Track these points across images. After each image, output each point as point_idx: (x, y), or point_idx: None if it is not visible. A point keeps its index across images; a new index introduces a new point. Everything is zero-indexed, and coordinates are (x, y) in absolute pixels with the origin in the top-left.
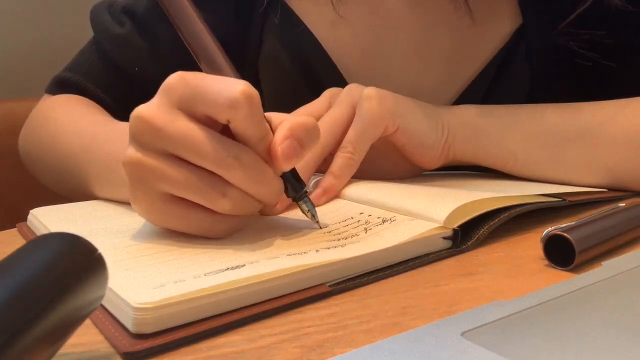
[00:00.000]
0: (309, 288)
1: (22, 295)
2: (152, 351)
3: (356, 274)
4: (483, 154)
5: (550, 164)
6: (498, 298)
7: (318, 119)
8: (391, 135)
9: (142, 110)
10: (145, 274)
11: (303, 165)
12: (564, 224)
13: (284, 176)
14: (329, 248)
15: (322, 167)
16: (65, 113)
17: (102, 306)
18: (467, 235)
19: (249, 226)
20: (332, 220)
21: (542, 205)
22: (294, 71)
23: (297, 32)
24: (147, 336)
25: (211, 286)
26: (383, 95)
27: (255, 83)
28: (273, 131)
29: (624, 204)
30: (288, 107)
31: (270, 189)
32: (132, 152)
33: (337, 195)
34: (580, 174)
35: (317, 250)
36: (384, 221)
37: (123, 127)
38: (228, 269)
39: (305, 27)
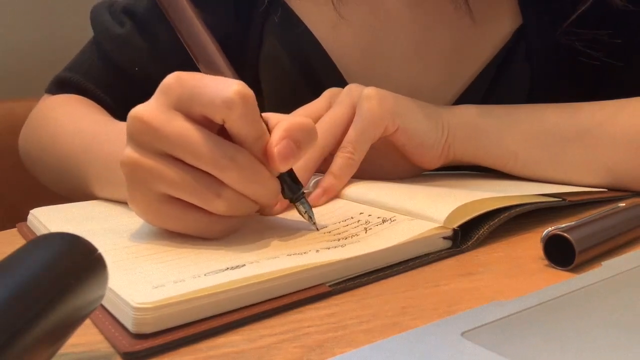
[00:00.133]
0: (309, 288)
1: (22, 295)
2: (152, 351)
3: (356, 274)
4: (483, 154)
5: (550, 164)
6: (498, 298)
7: (318, 119)
8: (391, 135)
9: (139, 110)
10: (145, 274)
11: (303, 165)
12: (564, 224)
13: (281, 177)
14: (328, 248)
15: (322, 167)
16: (65, 113)
17: (102, 306)
18: (467, 235)
19: (249, 226)
20: (332, 220)
21: (542, 205)
22: (294, 71)
23: (297, 32)
24: (147, 336)
25: (211, 286)
26: (383, 95)
27: (256, 83)
28: (271, 132)
29: (624, 204)
30: (288, 107)
31: (266, 189)
32: (130, 152)
33: (337, 195)
34: (580, 174)
35: (317, 250)
36: (384, 221)
37: (123, 127)
38: (228, 269)
39: (306, 27)
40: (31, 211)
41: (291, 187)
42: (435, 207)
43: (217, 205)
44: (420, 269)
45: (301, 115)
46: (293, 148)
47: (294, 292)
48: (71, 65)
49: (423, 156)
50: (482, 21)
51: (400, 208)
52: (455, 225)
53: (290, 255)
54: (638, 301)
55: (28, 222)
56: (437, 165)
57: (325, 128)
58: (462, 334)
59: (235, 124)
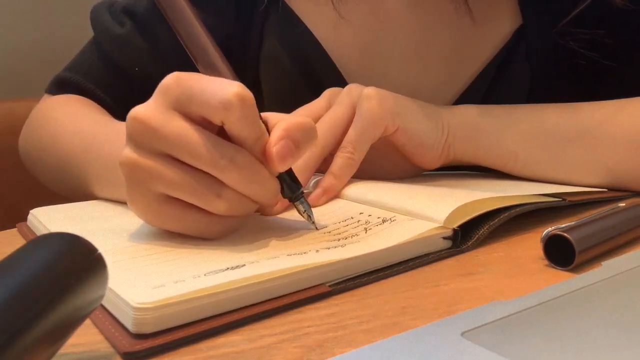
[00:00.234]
0: (309, 288)
1: (22, 295)
2: (152, 351)
3: (356, 274)
4: (483, 153)
5: (550, 164)
6: (498, 298)
7: (318, 119)
8: (391, 135)
9: (138, 110)
10: (145, 274)
11: (303, 165)
12: (564, 224)
13: (280, 177)
14: (328, 248)
15: (322, 167)
16: (66, 113)
17: (102, 306)
18: (467, 235)
19: (248, 226)
20: (332, 220)
21: (542, 205)
22: (294, 71)
23: (297, 32)
24: (147, 336)
25: (211, 286)
26: (383, 95)
27: (256, 83)
28: (270, 132)
29: (624, 204)
30: (288, 107)
31: (266, 189)
32: (129, 153)
33: (337, 195)
34: (580, 174)
35: (317, 250)
36: (384, 221)
37: (123, 127)
38: (228, 269)
39: (306, 27)
40: (31, 211)
41: (290, 187)
42: (435, 207)
43: (217, 206)
44: (420, 269)
45: (301, 115)
46: (292, 148)
47: (294, 292)
48: (71, 65)
49: (423, 156)
50: (482, 21)
51: (400, 208)
52: (455, 225)
53: (290, 255)
54: (638, 301)
55: (28, 222)
56: (437, 165)
57: (325, 128)
58: (462, 334)
59: (234, 126)
